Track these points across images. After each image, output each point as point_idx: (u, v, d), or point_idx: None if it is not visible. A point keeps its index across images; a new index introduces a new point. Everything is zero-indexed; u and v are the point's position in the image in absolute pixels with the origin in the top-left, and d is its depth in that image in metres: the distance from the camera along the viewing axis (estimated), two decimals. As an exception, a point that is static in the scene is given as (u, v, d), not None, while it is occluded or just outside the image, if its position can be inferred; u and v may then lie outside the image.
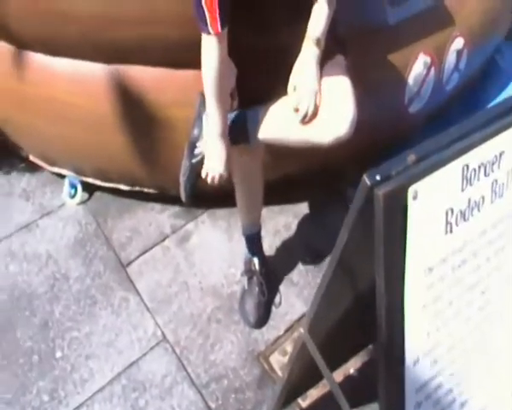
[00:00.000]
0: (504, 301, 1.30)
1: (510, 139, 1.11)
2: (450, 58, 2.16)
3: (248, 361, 1.86)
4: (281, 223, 2.22)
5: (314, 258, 2.12)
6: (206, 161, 1.59)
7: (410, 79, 2.06)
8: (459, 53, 2.18)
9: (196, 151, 1.61)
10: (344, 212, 2.16)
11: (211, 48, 1.42)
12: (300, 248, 2.16)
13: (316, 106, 1.48)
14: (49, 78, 1.98)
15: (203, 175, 1.59)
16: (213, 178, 1.58)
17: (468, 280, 1.17)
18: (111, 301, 2.00)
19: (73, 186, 2.29)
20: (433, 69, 2.11)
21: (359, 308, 1.39)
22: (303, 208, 2.28)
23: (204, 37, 1.41)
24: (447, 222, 1.06)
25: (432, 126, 2.32)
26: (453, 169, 1.03)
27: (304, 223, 2.23)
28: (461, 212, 1.08)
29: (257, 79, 1.55)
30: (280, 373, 1.83)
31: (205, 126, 1.59)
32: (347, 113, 1.46)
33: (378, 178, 0.96)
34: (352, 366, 1.78)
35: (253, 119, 1.57)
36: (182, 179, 1.64)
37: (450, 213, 1.06)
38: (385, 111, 2.07)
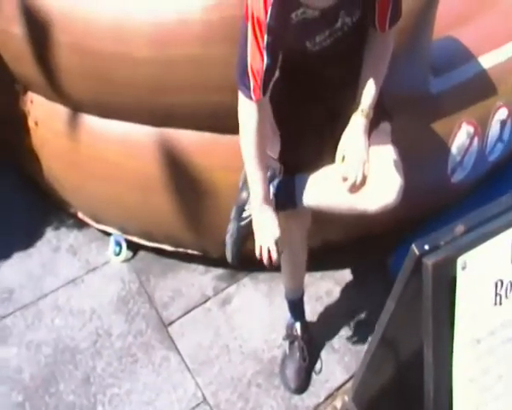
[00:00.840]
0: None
1: (560, 212, 1.11)
2: (494, 128, 2.18)
3: (288, 428, 1.83)
4: (322, 289, 2.22)
5: (355, 325, 2.11)
6: (256, 235, 1.58)
7: (453, 149, 2.08)
8: (503, 123, 2.19)
9: (244, 214, 1.64)
10: (384, 279, 2.18)
11: (250, 113, 1.45)
12: (342, 315, 2.14)
13: (364, 175, 1.49)
14: (101, 139, 2.08)
15: (257, 254, 1.59)
16: (269, 252, 1.56)
17: (516, 354, 1.15)
18: (152, 360, 2.01)
19: (118, 244, 2.34)
20: (476, 139, 2.12)
21: (403, 376, 1.38)
22: (344, 275, 2.27)
23: (243, 101, 1.45)
24: (496, 294, 1.06)
25: (474, 196, 2.33)
26: (503, 240, 1.04)
27: (345, 290, 2.22)
28: (511, 283, 1.08)
29: (304, 145, 1.60)
30: (319, 441, 1.80)
31: None
32: (395, 182, 1.49)
33: (427, 247, 0.98)
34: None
35: (301, 184, 1.60)
36: (228, 241, 1.67)
37: (499, 284, 1.06)
38: (428, 180, 2.08)
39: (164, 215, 2.09)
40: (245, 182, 1.65)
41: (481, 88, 2.12)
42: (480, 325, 1.06)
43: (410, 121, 1.89)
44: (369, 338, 2.03)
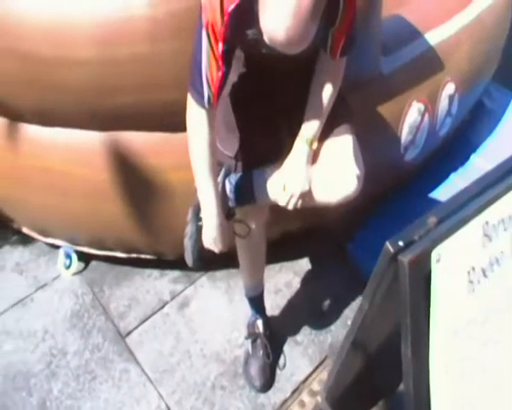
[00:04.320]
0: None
1: (526, 192, 1.09)
2: (443, 104, 2.18)
3: (256, 428, 1.78)
4: (281, 281, 2.17)
5: (317, 315, 2.07)
6: (204, 233, 1.55)
7: (405, 128, 2.06)
8: (451, 98, 2.19)
9: (201, 214, 1.56)
10: (343, 265, 2.16)
11: (202, 121, 1.38)
12: (302, 306, 2.10)
13: (304, 202, 1.49)
14: (43, 148, 1.93)
15: (206, 245, 1.55)
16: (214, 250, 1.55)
17: (491, 336, 1.14)
18: (111, 374, 1.91)
19: (68, 256, 2.21)
20: (427, 116, 2.11)
21: (375, 372, 1.35)
22: (303, 265, 2.23)
23: (194, 108, 1.37)
24: (469, 281, 1.03)
25: (426, 170, 2.34)
26: (474, 227, 1.00)
27: (305, 280, 2.18)
28: (482, 269, 1.05)
29: (262, 142, 1.53)
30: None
31: None
32: (354, 172, 1.46)
33: (401, 244, 0.92)
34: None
35: (259, 179, 1.54)
36: (188, 244, 1.58)
37: (472, 271, 1.03)
38: (382, 162, 2.05)
39: (116, 221, 1.98)
40: None
41: (430, 64, 2.11)
42: (455, 315, 1.03)
43: (362, 103, 1.84)
44: (332, 327, 2.03)
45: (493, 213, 1.03)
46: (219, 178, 1.53)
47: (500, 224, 1.05)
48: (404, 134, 2.08)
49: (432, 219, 0.96)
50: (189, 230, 1.59)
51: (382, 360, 1.33)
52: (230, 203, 1.55)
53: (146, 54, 1.64)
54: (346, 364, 1.19)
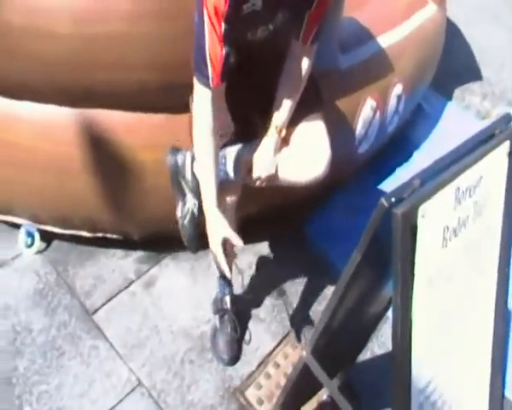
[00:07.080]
0: (483, 311, 1.45)
1: (487, 166, 1.28)
2: (392, 102, 2.38)
3: (225, 398, 1.88)
4: (244, 262, 2.26)
5: (277, 294, 2.20)
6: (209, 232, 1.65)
7: (360, 122, 2.24)
8: (399, 98, 2.40)
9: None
10: (300, 249, 2.28)
11: (207, 103, 1.46)
12: (264, 286, 2.22)
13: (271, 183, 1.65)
14: (9, 122, 1.94)
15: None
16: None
17: (457, 290, 1.31)
18: (80, 351, 1.94)
19: (30, 235, 2.21)
20: (378, 112, 2.30)
21: (356, 322, 1.48)
22: (262, 247, 2.34)
23: (201, 90, 1.45)
24: (444, 238, 1.19)
25: (374, 165, 2.53)
26: (449, 191, 1.17)
27: (265, 261, 2.30)
28: (453, 229, 1.22)
29: (237, 122, 1.64)
30: (256, 406, 1.87)
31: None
32: (324, 155, 1.62)
33: (393, 200, 1.07)
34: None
35: (233, 157, 1.65)
36: (186, 225, 1.74)
37: (446, 229, 1.19)
38: (339, 153, 2.18)
39: (82, 199, 2.01)
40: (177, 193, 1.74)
41: (381, 65, 2.30)
42: (432, 266, 1.19)
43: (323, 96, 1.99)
44: (293, 305, 2.16)
45: (464, 180, 1.20)
46: None
47: (467, 191, 1.23)
48: (359, 128, 2.25)
49: (416, 181, 1.11)
50: (181, 210, 1.72)
51: (366, 313, 1.48)
52: None
53: (123, 32, 1.69)
54: (334, 316, 1.31)
